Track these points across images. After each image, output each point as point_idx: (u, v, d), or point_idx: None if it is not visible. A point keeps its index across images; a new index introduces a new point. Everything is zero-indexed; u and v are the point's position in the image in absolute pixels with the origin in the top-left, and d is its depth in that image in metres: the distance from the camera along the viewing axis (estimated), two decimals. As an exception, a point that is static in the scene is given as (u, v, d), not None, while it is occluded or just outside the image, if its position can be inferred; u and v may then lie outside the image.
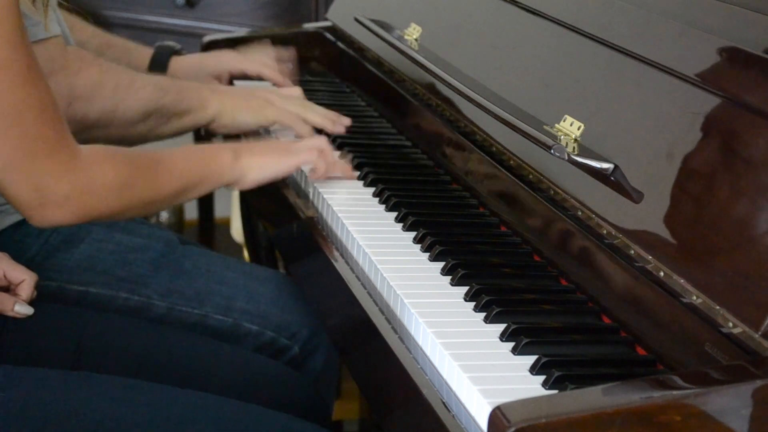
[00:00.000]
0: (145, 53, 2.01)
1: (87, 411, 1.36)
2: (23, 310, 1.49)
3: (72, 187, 1.36)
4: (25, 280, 1.51)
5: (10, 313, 1.49)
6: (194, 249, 1.81)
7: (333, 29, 2.27)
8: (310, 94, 2.06)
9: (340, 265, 1.49)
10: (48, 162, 1.34)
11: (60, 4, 1.77)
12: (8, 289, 1.52)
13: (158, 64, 2.00)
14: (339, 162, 1.70)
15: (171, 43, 2.06)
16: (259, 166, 1.60)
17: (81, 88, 1.70)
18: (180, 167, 1.52)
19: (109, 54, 1.95)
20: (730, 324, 1.11)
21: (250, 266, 1.89)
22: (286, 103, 1.87)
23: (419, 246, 1.49)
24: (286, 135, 1.88)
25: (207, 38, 2.29)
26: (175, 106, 1.81)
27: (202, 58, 2.08)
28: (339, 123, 1.87)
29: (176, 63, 2.01)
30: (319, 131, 1.85)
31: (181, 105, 1.81)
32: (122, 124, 1.77)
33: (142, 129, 1.79)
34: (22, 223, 1.66)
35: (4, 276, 1.51)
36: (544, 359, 1.17)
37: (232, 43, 2.28)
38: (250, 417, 1.44)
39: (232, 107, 1.84)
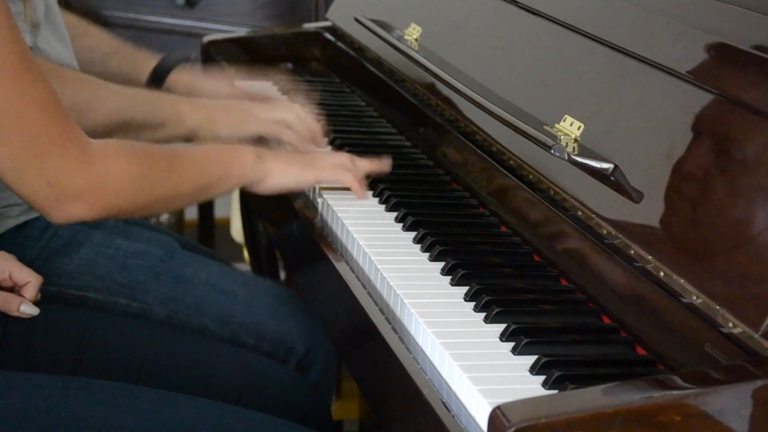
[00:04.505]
0: (149, 62, 1.95)
1: (87, 417, 1.35)
2: (29, 310, 1.49)
3: (85, 180, 1.35)
4: (31, 281, 1.51)
5: (15, 313, 1.49)
6: (195, 256, 1.79)
7: (333, 29, 2.27)
8: (311, 94, 2.07)
9: (340, 266, 1.49)
10: (57, 157, 1.33)
11: (82, 15, 1.72)
12: (13, 290, 1.52)
13: (157, 77, 1.94)
14: (364, 171, 1.65)
15: (179, 56, 1.98)
16: (282, 172, 1.57)
17: None
18: (199, 163, 1.50)
19: (114, 61, 1.93)
20: (730, 324, 1.11)
21: (249, 277, 1.88)
22: (269, 112, 1.80)
23: (419, 246, 1.49)
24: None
25: (207, 38, 2.29)
26: (146, 119, 1.73)
27: (195, 80, 1.98)
28: (320, 138, 1.81)
29: (174, 76, 1.94)
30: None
31: (153, 118, 1.73)
32: None
33: None
34: (22, 227, 1.66)
35: (10, 277, 1.51)
36: (544, 359, 1.17)
37: (233, 44, 2.28)
38: (251, 423, 1.44)
39: (210, 120, 1.76)
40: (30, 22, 1.64)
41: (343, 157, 1.65)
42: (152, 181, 1.42)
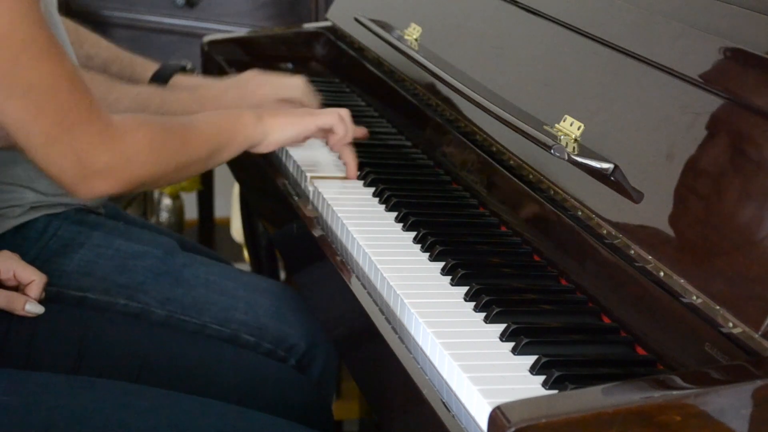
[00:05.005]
0: (148, 69, 1.96)
1: (91, 416, 1.35)
2: (34, 309, 1.50)
3: (111, 155, 1.39)
4: (35, 280, 1.51)
5: (21, 312, 1.49)
6: (194, 257, 1.79)
7: (333, 29, 2.27)
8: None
9: (340, 266, 1.49)
10: (86, 132, 1.36)
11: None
12: (17, 289, 1.52)
13: (157, 84, 1.94)
14: (356, 129, 1.74)
15: (179, 62, 1.99)
16: (282, 126, 1.63)
17: None
18: (207, 129, 1.56)
19: (113, 69, 1.94)
20: (730, 324, 1.11)
21: (249, 276, 1.87)
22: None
23: (419, 246, 1.49)
24: None
25: (207, 38, 2.29)
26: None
27: (203, 84, 1.96)
28: None
29: (176, 83, 1.95)
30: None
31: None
32: None
33: None
34: (22, 227, 1.66)
35: (14, 276, 1.51)
36: (544, 359, 1.17)
37: (233, 44, 2.28)
38: (252, 422, 1.44)
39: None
40: None
41: (342, 110, 1.71)
42: (169, 151, 1.48)
